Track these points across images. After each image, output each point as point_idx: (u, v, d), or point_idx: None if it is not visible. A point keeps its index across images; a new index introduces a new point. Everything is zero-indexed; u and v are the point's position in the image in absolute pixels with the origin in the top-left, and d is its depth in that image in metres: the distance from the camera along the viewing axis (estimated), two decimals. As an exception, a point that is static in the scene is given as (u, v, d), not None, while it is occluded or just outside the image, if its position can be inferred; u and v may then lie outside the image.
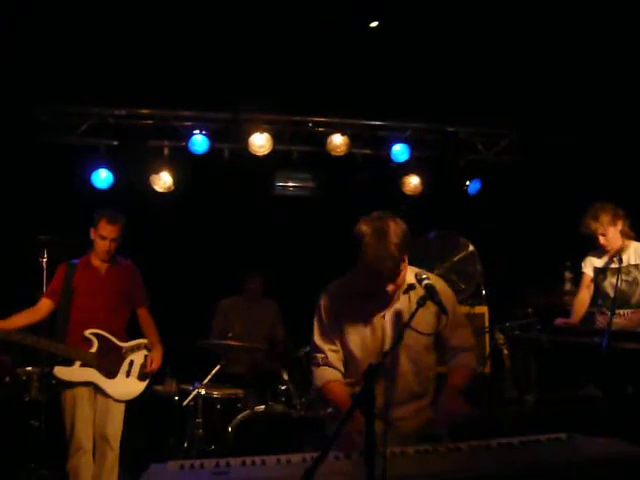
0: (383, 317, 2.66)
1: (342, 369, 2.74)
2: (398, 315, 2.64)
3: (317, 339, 2.75)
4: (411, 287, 2.62)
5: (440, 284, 2.71)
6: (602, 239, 4.38)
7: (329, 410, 2.87)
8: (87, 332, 4.06)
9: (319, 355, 2.74)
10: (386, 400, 2.20)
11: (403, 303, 2.65)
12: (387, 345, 2.62)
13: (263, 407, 4.34)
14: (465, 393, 2.68)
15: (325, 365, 2.72)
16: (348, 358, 2.74)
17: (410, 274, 2.63)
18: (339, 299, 2.72)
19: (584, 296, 4.63)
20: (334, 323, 2.71)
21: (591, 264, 4.61)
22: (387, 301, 2.65)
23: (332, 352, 2.73)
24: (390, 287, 2.56)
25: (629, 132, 5.64)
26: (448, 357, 2.78)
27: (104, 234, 4.12)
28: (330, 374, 2.72)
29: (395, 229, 2.48)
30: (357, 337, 2.69)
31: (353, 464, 2.16)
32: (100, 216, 4.13)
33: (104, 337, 4.10)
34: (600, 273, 4.54)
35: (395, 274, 2.54)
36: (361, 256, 2.49)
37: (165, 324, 5.07)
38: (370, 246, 2.45)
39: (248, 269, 5.78)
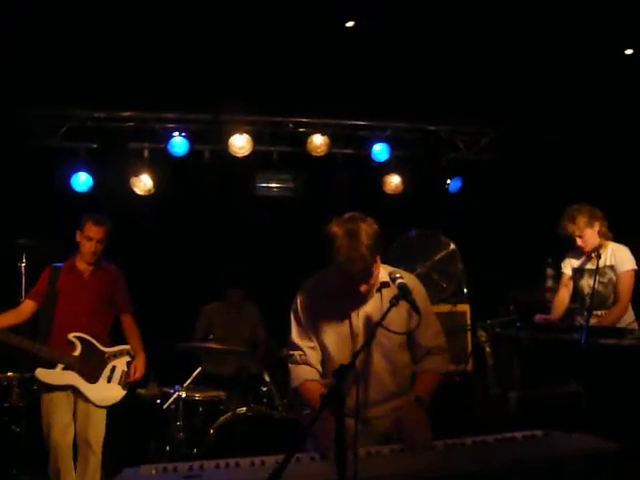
0: (357, 315, 2.67)
1: (319, 367, 2.74)
2: (371, 313, 2.65)
3: (294, 336, 2.74)
4: (384, 285, 2.64)
5: (413, 282, 2.71)
6: (579, 241, 4.42)
7: (306, 411, 2.85)
8: (71, 335, 4.05)
9: (296, 352, 2.73)
10: (360, 399, 2.19)
11: (376, 301, 2.66)
12: (360, 343, 2.62)
13: (245, 409, 4.32)
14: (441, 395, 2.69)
15: (303, 363, 2.71)
16: (324, 356, 2.73)
17: (384, 272, 2.65)
18: (315, 296, 2.72)
19: (563, 294, 4.67)
20: (311, 320, 2.71)
21: (570, 264, 4.65)
22: (361, 299, 2.65)
23: (309, 349, 2.72)
24: (363, 287, 2.56)
25: (609, 131, 5.69)
26: (418, 357, 2.76)
27: (90, 235, 4.11)
28: (307, 373, 2.70)
29: (366, 230, 2.48)
30: (332, 335, 2.70)
31: (328, 465, 2.16)
32: (86, 218, 4.15)
33: (88, 341, 4.08)
34: (577, 273, 4.59)
35: (368, 275, 2.54)
36: (333, 257, 2.49)
37: (146, 327, 5.04)
38: (342, 248, 2.45)
39: (229, 273, 5.76)
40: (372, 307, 2.66)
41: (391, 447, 2.33)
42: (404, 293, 2.40)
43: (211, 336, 4.67)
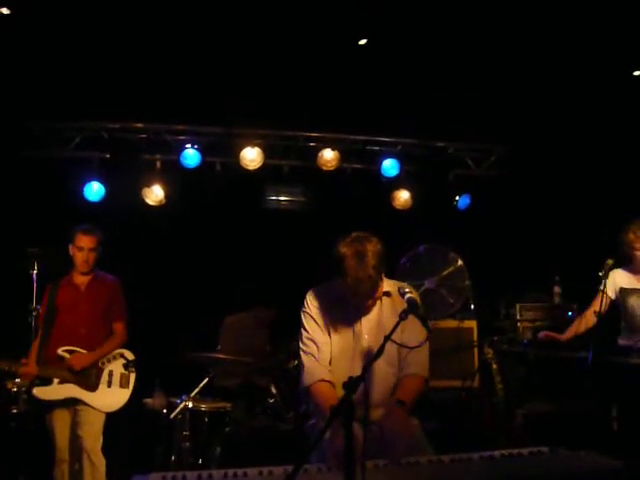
0: (360, 321, 2.85)
1: (328, 365, 2.83)
2: (372, 319, 2.85)
3: (310, 331, 2.86)
4: (386, 294, 2.86)
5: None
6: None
7: (311, 422, 2.90)
8: (59, 350, 4.09)
9: (313, 348, 2.83)
10: (365, 404, 2.26)
11: (377, 309, 2.87)
12: (363, 346, 2.81)
13: (251, 420, 4.35)
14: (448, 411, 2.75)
15: (318, 360, 2.80)
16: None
17: (385, 284, 2.84)
18: (323, 299, 2.89)
19: (590, 316, 4.31)
20: (322, 318, 2.86)
21: (615, 281, 4.33)
22: (364, 308, 2.84)
23: (324, 345, 2.84)
24: (370, 303, 2.79)
25: (620, 147, 5.70)
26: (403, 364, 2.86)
27: (81, 245, 4.19)
28: (320, 372, 2.79)
29: (372, 250, 2.68)
30: (336, 337, 2.85)
31: (335, 476, 2.18)
32: (76, 230, 4.23)
33: (78, 353, 4.12)
34: (626, 291, 4.30)
35: (374, 292, 2.75)
36: (343, 275, 2.68)
37: (154, 336, 5.11)
38: (351, 269, 2.65)
39: (244, 287, 5.80)
40: (374, 314, 2.86)
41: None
42: (413, 308, 2.45)
43: (219, 347, 4.67)
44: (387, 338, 2.29)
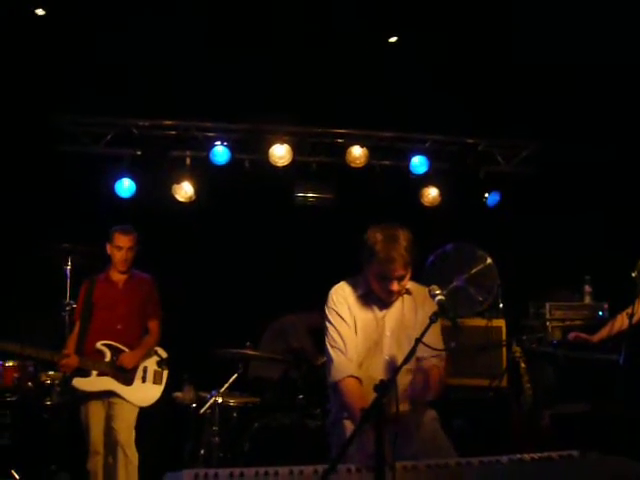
0: (384, 319, 2.88)
1: (356, 361, 2.83)
2: (394, 316, 2.88)
3: (337, 326, 2.86)
4: (407, 291, 2.89)
5: (426, 293, 2.84)
6: None
7: (330, 419, 2.93)
8: (99, 344, 4.23)
9: (340, 342, 2.83)
10: (395, 405, 2.29)
11: (399, 306, 2.90)
12: (385, 343, 2.84)
13: (279, 416, 4.39)
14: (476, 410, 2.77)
15: (346, 355, 2.80)
16: None
17: (408, 283, 2.88)
18: (348, 297, 2.90)
19: (624, 319, 4.12)
20: (348, 313, 2.88)
21: None
22: (387, 304, 2.88)
23: (351, 340, 2.84)
24: (395, 286, 2.76)
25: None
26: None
27: (120, 244, 4.32)
28: (348, 367, 2.79)
29: (405, 235, 2.74)
30: (360, 333, 2.86)
31: (365, 477, 2.20)
32: (113, 230, 4.36)
33: (115, 347, 4.24)
34: None
35: (403, 275, 2.76)
36: (371, 258, 2.72)
37: (185, 332, 5.17)
38: (383, 247, 2.69)
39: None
40: (396, 310, 2.89)
41: (427, 462, 2.35)
42: (443, 310, 2.45)
43: (248, 343, 4.71)
44: (418, 340, 2.32)
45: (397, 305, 2.89)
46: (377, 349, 2.83)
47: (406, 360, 2.24)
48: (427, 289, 2.92)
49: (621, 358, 3.65)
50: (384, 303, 2.88)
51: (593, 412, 4.29)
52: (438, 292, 2.59)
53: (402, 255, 2.68)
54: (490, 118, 5.95)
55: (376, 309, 2.88)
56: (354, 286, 2.91)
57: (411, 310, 2.88)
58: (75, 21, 4.99)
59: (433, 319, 2.41)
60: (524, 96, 5.65)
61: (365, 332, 2.85)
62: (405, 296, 2.89)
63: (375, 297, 2.88)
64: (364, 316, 2.87)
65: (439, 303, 2.52)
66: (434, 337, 2.82)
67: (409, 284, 2.88)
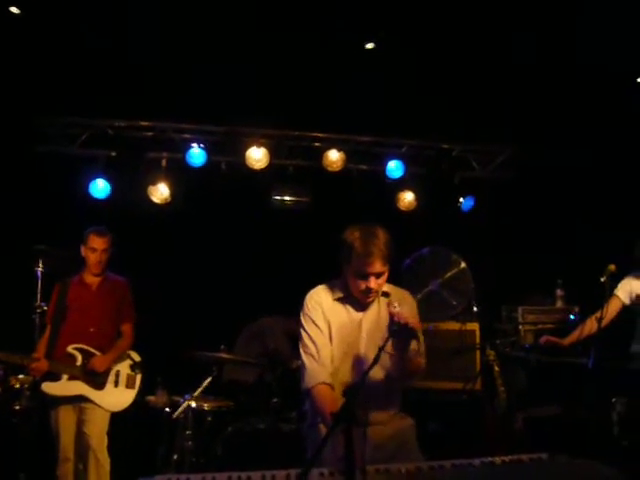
0: (360, 322, 2.87)
1: (330, 367, 2.83)
2: (371, 319, 2.88)
3: (311, 333, 2.86)
4: (384, 294, 2.90)
5: (405, 296, 2.97)
6: None
7: (307, 423, 2.93)
8: (69, 348, 4.17)
9: (313, 349, 2.83)
10: (364, 409, 2.31)
11: (376, 309, 2.90)
12: (362, 346, 2.83)
13: (253, 420, 4.37)
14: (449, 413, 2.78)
15: (318, 362, 2.80)
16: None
17: (385, 286, 2.89)
18: (324, 301, 2.90)
19: (593, 322, 4.19)
20: (322, 319, 2.87)
21: (630, 289, 4.32)
22: (364, 306, 2.88)
23: (325, 346, 2.84)
24: (373, 283, 2.76)
25: (626, 150, 5.69)
26: None
27: (94, 246, 4.28)
28: (321, 374, 2.79)
29: (383, 232, 2.76)
30: (337, 338, 2.86)
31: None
32: (88, 232, 4.32)
33: (87, 351, 4.20)
34: None
35: (381, 273, 2.76)
36: (350, 255, 2.73)
37: (158, 334, 5.13)
38: (361, 242, 2.70)
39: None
40: (373, 313, 2.89)
41: (399, 466, 2.36)
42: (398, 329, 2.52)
43: (222, 346, 4.69)
44: (381, 349, 2.35)
45: (374, 307, 2.90)
46: (353, 351, 2.83)
47: (370, 367, 2.25)
48: (404, 292, 3.01)
49: (590, 362, 3.71)
50: (361, 305, 2.88)
51: (564, 415, 4.34)
52: (396, 304, 2.60)
53: (381, 250, 2.69)
54: (465, 124, 6.01)
55: (352, 311, 2.89)
56: (331, 290, 2.92)
57: (387, 312, 2.88)
58: (50, 20, 4.93)
59: (392, 334, 2.48)
60: (499, 101, 5.71)
61: (341, 335, 2.85)
62: (382, 298, 2.90)
63: (352, 299, 2.88)
64: (340, 319, 2.87)
65: (392, 321, 2.55)
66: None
67: (386, 286, 2.89)
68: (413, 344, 2.66)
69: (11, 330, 4.54)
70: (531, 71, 5.47)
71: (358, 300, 2.88)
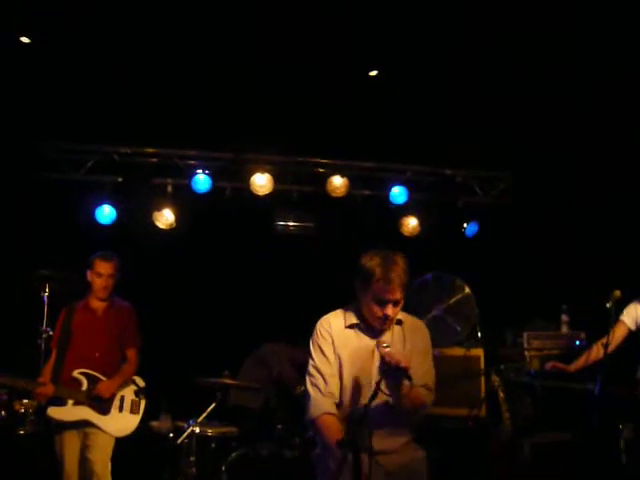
0: (373, 348, 2.79)
1: (338, 397, 2.80)
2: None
3: (317, 363, 2.83)
4: (398, 322, 2.85)
5: (417, 324, 2.95)
6: None
7: (317, 451, 2.89)
8: (75, 372, 4.16)
9: (319, 380, 2.80)
10: (370, 433, 2.29)
11: (388, 336, 2.84)
12: (373, 373, 2.77)
13: (257, 446, 4.35)
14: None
15: (324, 393, 2.77)
16: (339, 383, 2.83)
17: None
18: (335, 328, 2.86)
19: (600, 348, 4.17)
20: (331, 349, 2.83)
21: (637, 315, 4.26)
22: (376, 333, 2.83)
23: (331, 377, 2.80)
24: (390, 310, 2.72)
25: (629, 176, 5.71)
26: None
27: (100, 271, 4.27)
28: (326, 405, 2.76)
29: (402, 260, 2.73)
30: (349, 365, 2.81)
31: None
32: (94, 257, 4.32)
33: (93, 376, 4.19)
34: None
35: (398, 300, 2.73)
36: (369, 281, 2.69)
37: (163, 359, 5.13)
38: (382, 269, 2.67)
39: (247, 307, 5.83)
40: (386, 340, 2.78)
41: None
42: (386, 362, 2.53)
43: (226, 372, 4.69)
44: (378, 384, 2.39)
45: (387, 335, 2.84)
46: (365, 379, 2.78)
47: (370, 401, 2.25)
48: (418, 320, 3.00)
49: (596, 388, 3.69)
50: (374, 332, 2.83)
51: (571, 442, 4.31)
52: (385, 344, 2.61)
53: (400, 277, 2.68)
54: (468, 150, 6.05)
55: (365, 338, 2.84)
56: (344, 316, 2.88)
57: (400, 341, 2.85)
58: (58, 48, 5.01)
59: (384, 371, 2.48)
60: (501, 127, 5.76)
61: (353, 362, 2.81)
62: (395, 327, 2.85)
63: (365, 327, 2.84)
64: (352, 346, 2.83)
65: (381, 354, 2.56)
66: (426, 371, 2.84)
67: (400, 314, 2.85)
68: (405, 383, 2.57)
69: (17, 355, 4.58)
70: (533, 95, 5.52)
71: (371, 327, 2.83)
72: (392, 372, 2.50)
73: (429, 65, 5.29)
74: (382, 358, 2.53)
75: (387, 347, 2.56)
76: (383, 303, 2.71)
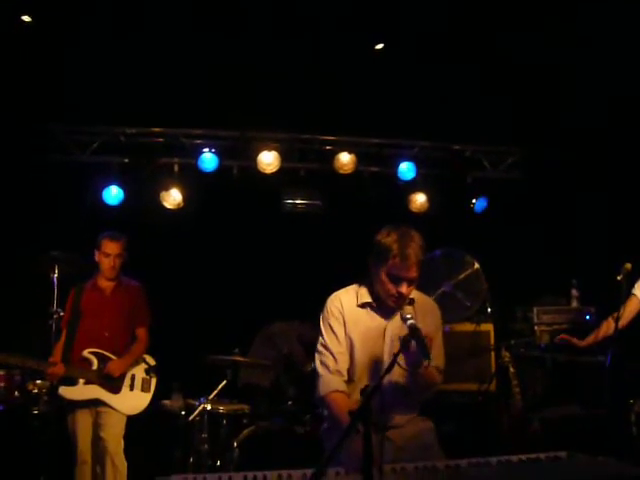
0: (385, 328, 2.79)
1: (346, 374, 2.80)
2: (397, 327, 2.76)
3: (327, 341, 2.81)
4: (410, 301, 2.79)
5: (429, 304, 2.93)
6: None
7: (325, 426, 2.91)
8: (85, 352, 4.20)
9: (329, 358, 2.79)
10: (381, 408, 2.27)
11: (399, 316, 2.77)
12: (385, 352, 2.76)
13: (268, 423, 4.38)
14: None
15: (333, 371, 2.76)
16: (351, 360, 2.82)
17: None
18: (347, 307, 2.83)
19: (611, 323, 4.03)
20: (341, 327, 2.81)
21: None
22: (388, 313, 2.80)
23: (340, 355, 2.79)
24: (404, 288, 2.68)
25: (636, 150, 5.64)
26: None
27: (108, 251, 4.30)
28: (335, 382, 2.76)
29: (418, 236, 2.69)
30: (360, 343, 2.79)
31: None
32: (102, 237, 4.34)
33: (102, 355, 4.22)
34: None
35: (414, 278, 2.68)
36: (385, 257, 2.64)
37: (173, 338, 5.16)
38: (399, 245, 2.61)
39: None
40: (397, 320, 2.76)
41: (415, 465, 2.36)
42: (413, 334, 2.43)
43: (236, 350, 4.70)
44: (396, 355, 2.31)
45: (398, 315, 2.76)
46: (376, 358, 2.76)
47: (385, 373, 2.22)
48: (430, 300, 2.97)
49: (608, 360, 3.67)
50: (386, 312, 2.80)
51: (581, 415, 4.31)
52: (409, 316, 2.54)
53: (417, 254, 2.63)
54: (477, 124, 5.99)
55: (377, 318, 2.81)
56: (356, 293, 2.84)
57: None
58: (62, 28, 4.98)
59: (404, 345, 2.38)
60: (510, 101, 5.69)
61: (364, 341, 2.79)
62: (407, 307, 2.77)
63: (377, 306, 2.81)
64: (364, 325, 2.80)
65: (410, 327, 2.46)
66: (438, 352, 2.81)
67: (413, 293, 2.79)
68: (424, 361, 2.50)
69: (28, 336, 4.61)
70: (542, 70, 5.45)
71: (384, 306, 2.79)
72: (416, 345, 2.41)
73: (435, 37, 5.21)
74: (410, 328, 2.44)
75: (411, 319, 2.50)
76: (398, 281, 2.66)
